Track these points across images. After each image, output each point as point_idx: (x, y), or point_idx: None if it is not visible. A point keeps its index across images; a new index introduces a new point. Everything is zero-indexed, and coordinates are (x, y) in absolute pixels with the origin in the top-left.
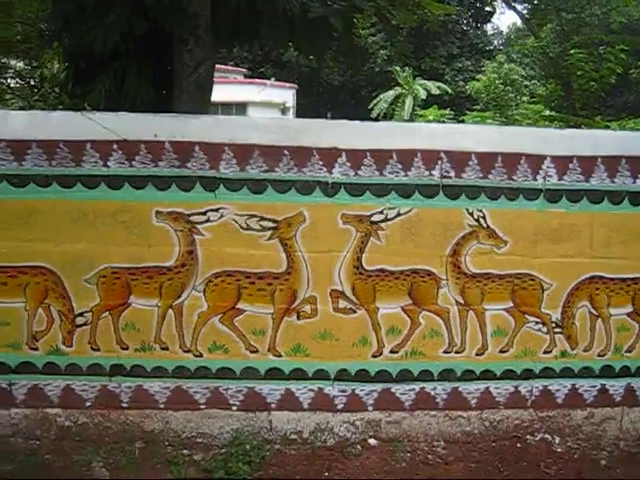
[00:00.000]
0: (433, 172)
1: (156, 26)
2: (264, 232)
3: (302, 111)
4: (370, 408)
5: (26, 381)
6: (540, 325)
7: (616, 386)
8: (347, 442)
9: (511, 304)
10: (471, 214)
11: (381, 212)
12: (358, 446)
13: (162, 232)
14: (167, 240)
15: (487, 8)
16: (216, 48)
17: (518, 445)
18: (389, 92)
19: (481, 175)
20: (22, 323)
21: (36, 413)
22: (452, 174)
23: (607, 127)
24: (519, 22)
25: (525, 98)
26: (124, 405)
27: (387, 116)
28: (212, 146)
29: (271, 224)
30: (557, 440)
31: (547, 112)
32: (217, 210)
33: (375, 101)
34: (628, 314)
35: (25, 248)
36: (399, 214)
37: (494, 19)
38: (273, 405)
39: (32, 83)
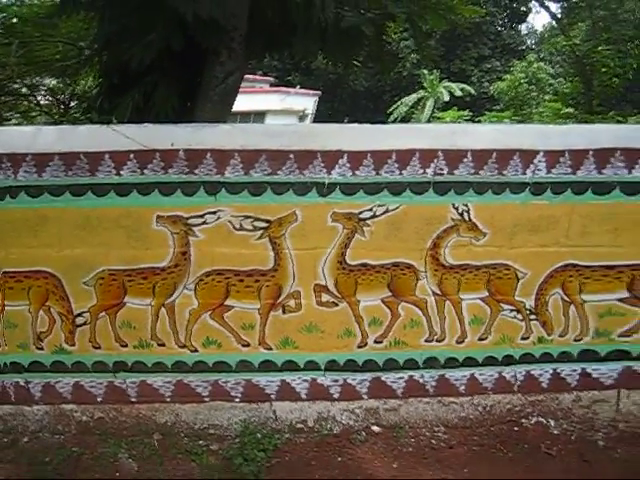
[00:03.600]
0: (427, 170)
1: (191, 41)
2: (255, 232)
3: (321, 117)
4: (365, 396)
5: (39, 379)
6: (515, 312)
7: (602, 369)
8: (351, 430)
9: (486, 293)
10: (456, 208)
11: (370, 209)
12: (363, 433)
13: (160, 235)
14: (164, 242)
15: (523, 8)
16: (248, 59)
17: (515, 429)
18: (412, 96)
19: (473, 171)
20: (27, 325)
21: (54, 409)
22: (445, 171)
23: (619, 122)
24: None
25: (548, 96)
26: (133, 400)
27: (405, 120)
28: (223, 152)
29: (263, 224)
30: (552, 423)
31: (565, 110)
32: (214, 213)
33: (395, 105)
34: (620, 299)
35: (31, 254)
36: (387, 211)
37: (529, 18)
38: (273, 396)
39: (61, 99)
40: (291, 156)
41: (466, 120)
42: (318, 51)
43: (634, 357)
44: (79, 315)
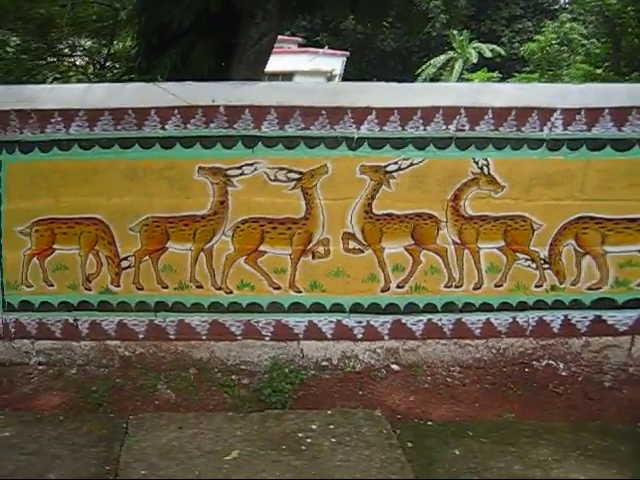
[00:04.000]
0: (450, 126)
1: (227, 2)
2: (289, 183)
3: (349, 78)
4: (386, 337)
5: (86, 317)
6: (529, 262)
7: (618, 316)
8: (372, 368)
9: (503, 243)
10: (476, 163)
11: (396, 163)
12: (383, 370)
13: (200, 185)
14: (204, 192)
15: None
16: (281, 20)
17: (526, 370)
18: (440, 57)
19: (493, 128)
20: (77, 267)
21: (99, 345)
22: (467, 127)
23: None
24: None
25: (579, 57)
26: (172, 337)
27: (433, 81)
28: (260, 108)
29: (296, 175)
30: (561, 365)
31: (593, 71)
32: (252, 164)
33: (424, 67)
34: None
35: (82, 202)
36: (412, 164)
37: None
38: (301, 335)
39: (96, 59)
40: (323, 112)
41: (495, 81)
42: (349, 12)
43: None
44: (124, 259)
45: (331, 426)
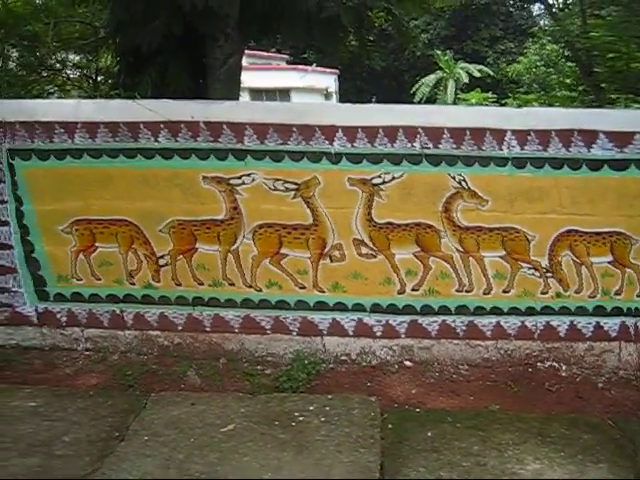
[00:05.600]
0: (414, 144)
1: (192, 27)
2: (288, 192)
3: (345, 96)
4: (403, 336)
5: (131, 309)
6: (533, 270)
7: (610, 323)
8: (387, 363)
9: (504, 252)
10: (453, 178)
11: (379, 176)
12: (396, 366)
13: (210, 193)
14: (215, 199)
15: None
16: (243, 43)
17: (529, 370)
18: (430, 76)
19: (454, 146)
20: (119, 263)
21: (141, 335)
22: (430, 145)
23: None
24: None
25: (568, 80)
26: (207, 329)
27: (430, 100)
28: (236, 125)
29: (293, 186)
30: (563, 367)
31: (569, 94)
32: (249, 175)
33: (417, 85)
34: (609, 262)
35: (110, 205)
36: (394, 178)
37: None
38: (324, 332)
39: (87, 74)
40: (294, 129)
41: (492, 102)
42: (305, 38)
43: (625, 313)
44: (161, 257)
45: (327, 408)
